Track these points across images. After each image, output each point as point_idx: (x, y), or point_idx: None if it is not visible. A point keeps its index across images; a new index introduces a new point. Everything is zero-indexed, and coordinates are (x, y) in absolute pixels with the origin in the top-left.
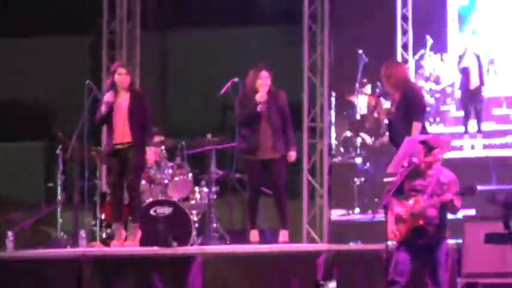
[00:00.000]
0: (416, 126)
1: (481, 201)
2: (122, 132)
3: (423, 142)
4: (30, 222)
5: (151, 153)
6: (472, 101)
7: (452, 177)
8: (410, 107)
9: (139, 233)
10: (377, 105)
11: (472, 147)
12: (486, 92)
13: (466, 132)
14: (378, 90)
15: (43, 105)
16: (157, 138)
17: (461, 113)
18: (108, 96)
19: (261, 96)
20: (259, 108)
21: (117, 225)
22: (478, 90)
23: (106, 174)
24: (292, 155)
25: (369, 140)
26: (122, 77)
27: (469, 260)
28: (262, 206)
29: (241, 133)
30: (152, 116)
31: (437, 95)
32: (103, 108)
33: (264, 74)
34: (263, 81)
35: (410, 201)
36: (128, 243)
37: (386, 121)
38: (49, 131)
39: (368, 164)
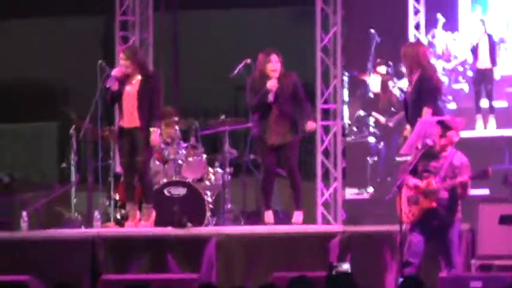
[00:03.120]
0: (426, 111)
1: (495, 181)
2: (131, 116)
3: (440, 123)
4: (44, 203)
5: (157, 135)
6: (482, 80)
7: (465, 160)
8: (424, 90)
9: (153, 214)
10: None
11: (485, 126)
12: (498, 71)
13: (478, 111)
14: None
15: (57, 86)
16: (173, 118)
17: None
18: (116, 71)
19: (272, 85)
20: (269, 98)
21: (131, 206)
22: (489, 69)
23: (118, 155)
24: (310, 124)
25: (382, 119)
26: (122, 62)
27: (483, 241)
28: (277, 188)
29: (253, 118)
30: (162, 98)
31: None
32: (112, 85)
33: (274, 58)
34: (274, 66)
35: (423, 182)
36: (142, 224)
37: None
38: (62, 112)
39: (381, 143)
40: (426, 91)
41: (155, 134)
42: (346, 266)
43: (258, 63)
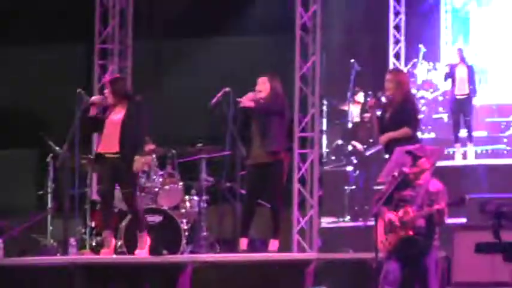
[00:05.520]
0: (405, 131)
1: (472, 210)
2: (112, 143)
3: (409, 152)
4: (20, 230)
5: (141, 163)
6: (461, 110)
7: (441, 187)
8: (406, 113)
9: (148, 241)
10: (374, 107)
11: (464, 155)
12: (477, 101)
13: (456, 140)
14: (377, 95)
15: (35, 114)
16: (148, 147)
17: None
18: (94, 98)
19: (243, 101)
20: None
21: (107, 233)
22: (467, 99)
23: (97, 182)
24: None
25: (360, 147)
26: (105, 91)
27: (458, 269)
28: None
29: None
30: (147, 127)
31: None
32: (91, 111)
33: (260, 80)
34: (258, 87)
35: (400, 212)
36: (138, 252)
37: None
38: (40, 139)
39: (358, 172)
40: (409, 113)
41: (139, 161)
42: None
43: None
